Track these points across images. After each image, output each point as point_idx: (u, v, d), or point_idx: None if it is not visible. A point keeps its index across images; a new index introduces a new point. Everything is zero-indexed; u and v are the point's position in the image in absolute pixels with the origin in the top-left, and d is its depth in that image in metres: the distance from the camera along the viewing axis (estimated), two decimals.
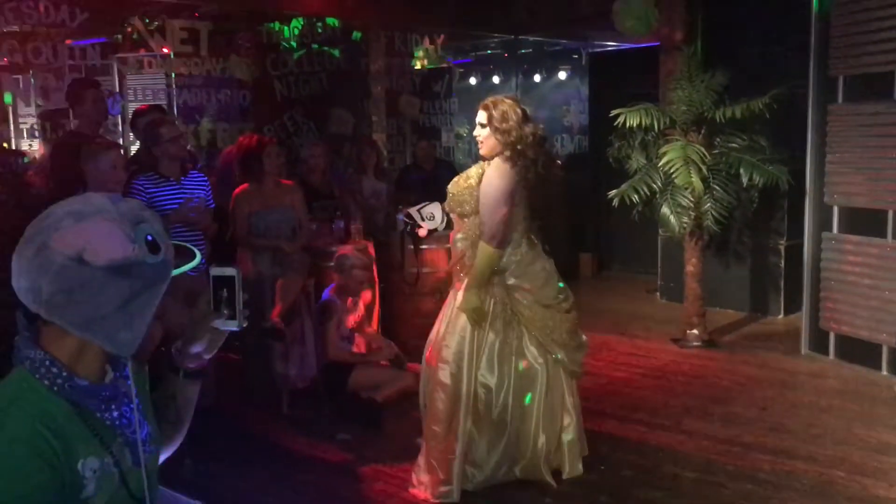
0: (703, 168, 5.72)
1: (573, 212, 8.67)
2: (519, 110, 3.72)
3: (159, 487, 1.67)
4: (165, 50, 6.87)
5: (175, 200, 4.57)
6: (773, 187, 5.97)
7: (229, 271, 1.67)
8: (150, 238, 1.45)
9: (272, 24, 7.81)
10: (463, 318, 3.78)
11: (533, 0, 8.58)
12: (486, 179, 3.72)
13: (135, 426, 1.53)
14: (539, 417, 3.84)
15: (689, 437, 4.48)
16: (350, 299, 5.17)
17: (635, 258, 8.89)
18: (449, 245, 4.05)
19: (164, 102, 7.12)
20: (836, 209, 5.64)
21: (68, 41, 6.36)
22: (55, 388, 1.41)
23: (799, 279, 6.09)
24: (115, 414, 1.51)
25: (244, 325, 1.69)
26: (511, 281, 3.81)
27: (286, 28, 7.89)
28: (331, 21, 7.93)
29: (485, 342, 3.79)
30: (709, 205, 5.90)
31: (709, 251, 6.69)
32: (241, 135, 7.21)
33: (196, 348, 1.73)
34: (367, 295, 5.39)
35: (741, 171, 5.81)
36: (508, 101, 3.77)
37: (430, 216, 5.91)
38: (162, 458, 1.71)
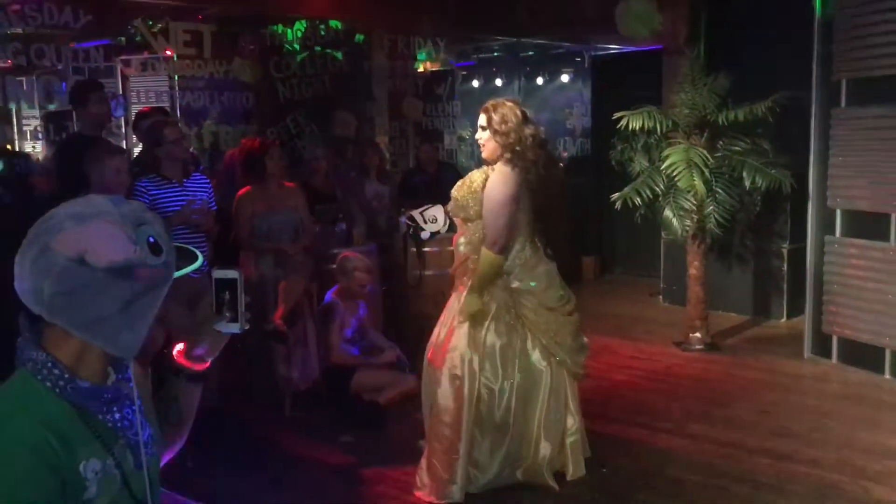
0: (706, 171, 5.71)
1: (576, 215, 8.66)
2: (519, 112, 3.73)
3: (161, 489, 1.67)
4: (168, 52, 6.87)
5: (177, 202, 4.57)
6: (775, 191, 5.96)
7: (231, 274, 1.67)
8: (151, 240, 1.45)
9: (275, 27, 7.82)
10: (463, 321, 3.78)
11: (535, 3, 8.58)
12: (490, 185, 3.72)
13: (137, 428, 1.53)
14: (542, 420, 3.84)
15: (692, 440, 4.48)
16: (352, 302, 5.17)
17: (638, 261, 8.89)
18: (451, 248, 4.05)
19: (167, 105, 7.13)
20: (839, 213, 5.63)
21: (72, 43, 6.37)
22: (57, 390, 1.41)
23: (802, 283, 6.08)
24: (117, 416, 1.51)
25: (246, 328, 1.69)
26: (515, 284, 3.82)
27: (289, 30, 7.89)
28: (333, 23, 7.93)
29: (488, 345, 3.78)
30: (711, 208, 5.90)
31: (711, 254, 6.69)
32: (243, 137, 7.23)
33: (198, 351, 1.73)
34: (369, 297, 5.39)
35: (744, 174, 5.81)
36: (509, 103, 3.78)
37: (432, 219, 5.90)
38: (164, 460, 1.71)
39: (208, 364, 1.77)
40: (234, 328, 1.69)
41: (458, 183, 3.95)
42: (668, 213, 5.99)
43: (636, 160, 6.17)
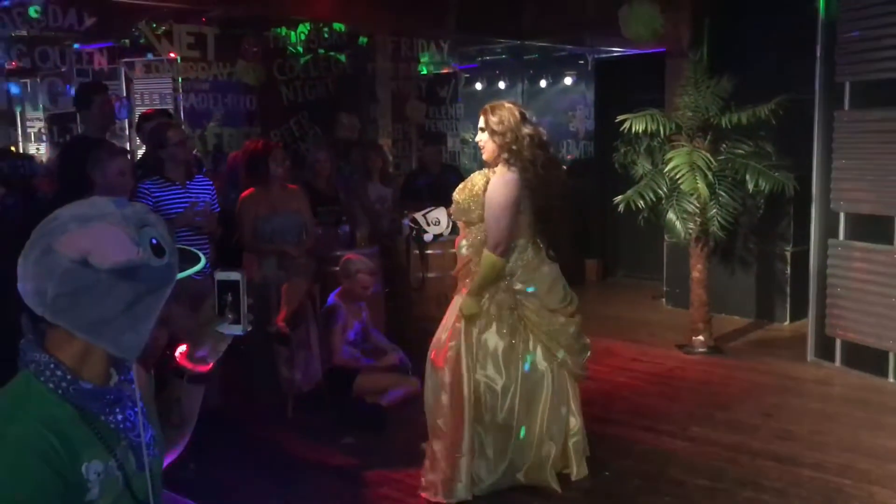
0: (709, 174, 5.71)
1: (579, 217, 8.66)
2: (517, 113, 3.74)
3: (163, 491, 1.67)
4: (172, 55, 6.89)
5: (180, 204, 4.58)
6: (779, 193, 5.95)
7: (234, 276, 1.67)
8: (154, 241, 1.45)
9: (279, 29, 7.84)
10: (462, 321, 3.80)
11: (539, 6, 8.59)
12: (492, 188, 3.73)
13: (139, 429, 1.54)
14: (545, 421, 3.84)
15: (695, 443, 4.47)
16: (355, 304, 5.17)
17: (641, 264, 8.87)
18: (454, 250, 4.06)
19: (170, 107, 7.15)
20: (842, 216, 5.62)
21: (75, 41, 6.39)
22: (60, 392, 1.41)
23: (805, 286, 6.06)
24: (120, 417, 1.51)
25: (249, 330, 1.69)
26: (518, 286, 3.83)
27: (293, 33, 7.91)
28: (337, 26, 7.95)
29: (491, 346, 3.79)
30: (714, 211, 5.89)
31: (714, 257, 6.67)
32: (247, 139, 7.26)
33: (200, 352, 1.73)
34: (372, 299, 5.39)
35: (747, 177, 5.80)
36: (508, 104, 3.80)
37: (435, 221, 5.91)
38: (166, 461, 1.71)
39: (211, 366, 1.77)
40: (237, 330, 1.69)
41: (460, 186, 3.95)
42: (671, 215, 5.98)
43: (639, 163, 6.16)
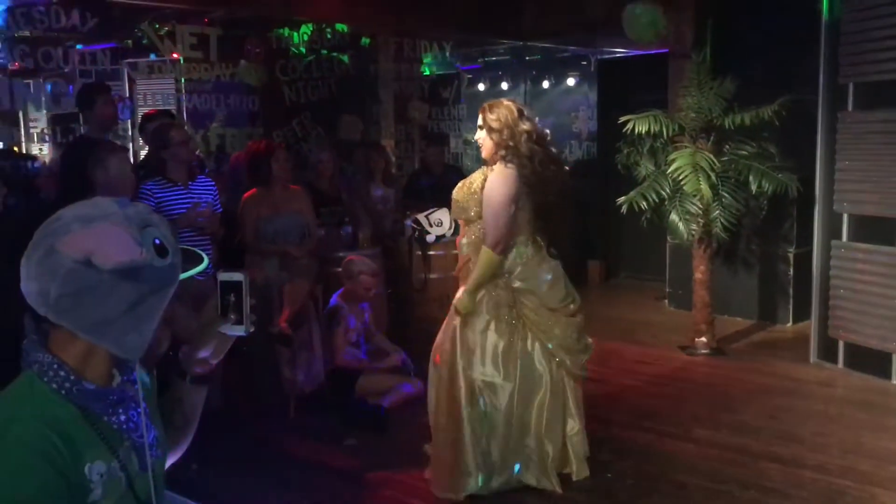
0: (712, 175, 5.70)
1: (581, 218, 8.65)
2: (515, 110, 3.75)
3: (166, 492, 1.67)
4: (175, 55, 6.89)
5: (183, 205, 4.58)
6: (782, 195, 5.95)
7: (237, 276, 1.67)
8: (157, 242, 1.45)
9: (281, 30, 7.84)
10: (456, 319, 3.81)
11: (542, 6, 8.58)
12: (489, 185, 3.74)
13: (142, 430, 1.53)
14: (544, 421, 3.82)
15: (697, 444, 4.46)
16: (357, 305, 5.17)
17: (643, 265, 8.87)
18: (456, 251, 4.06)
19: (173, 107, 7.15)
20: (845, 217, 5.61)
21: (79, 46, 6.40)
22: (63, 392, 1.41)
23: (808, 287, 6.06)
24: (123, 418, 1.51)
25: (251, 331, 1.69)
26: (517, 284, 3.82)
27: (295, 34, 7.91)
28: (340, 27, 7.95)
29: (489, 344, 3.77)
30: (717, 212, 5.88)
31: (717, 258, 6.67)
32: (249, 140, 7.26)
33: (203, 353, 1.73)
34: (374, 300, 5.39)
35: (750, 178, 5.80)
36: (506, 102, 3.82)
37: (437, 222, 5.91)
38: (168, 462, 1.71)
39: (213, 366, 1.77)
40: (240, 331, 1.68)
41: (459, 184, 3.97)
42: (673, 217, 5.98)
43: (642, 164, 6.16)
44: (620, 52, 9.74)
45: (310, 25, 7.86)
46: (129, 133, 7.27)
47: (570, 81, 10.83)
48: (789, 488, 3.89)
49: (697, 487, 3.94)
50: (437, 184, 7.06)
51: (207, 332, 1.71)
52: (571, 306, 3.93)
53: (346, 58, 8.17)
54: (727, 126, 5.87)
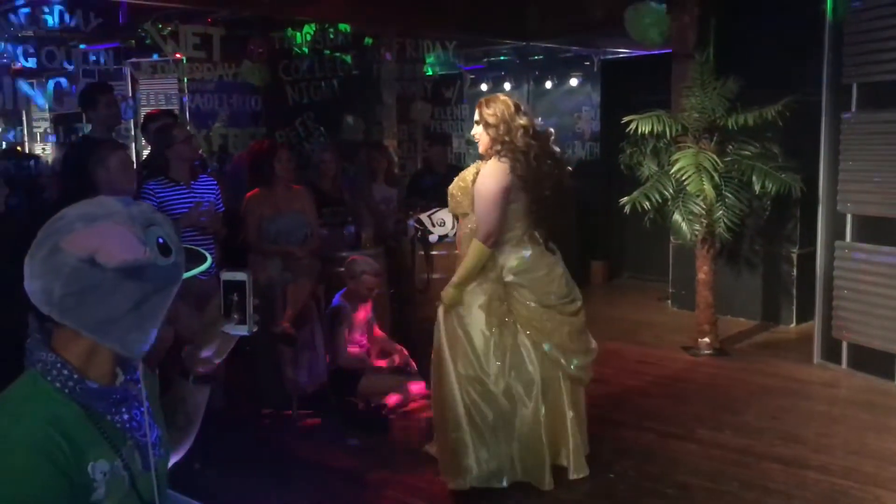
0: (716, 175, 5.69)
1: (584, 219, 8.65)
2: (511, 105, 3.75)
3: (168, 491, 1.67)
4: (178, 55, 6.90)
5: (185, 204, 4.59)
6: (785, 195, 5.94)
7: (240, 276, 1.67)
8: (161, 241, 1.45)
9: (285, 30, 7.84)
10: (441, 310, 3.81)
11: (545, 7, 8.58)
12: (480, 178, 3.76)
13: (145, 429, 1.53)
14: (538, 419, 3.77)
15: (700, 445, 4.45)
16: (360, 305, 5.17)
17: (646, 266, 8.87)
18: (458, 251, 4.06)
19: (176, 107, 7.16)
20: (849, 217, 5.60)
21: (82, 46, 6.40)
22: (66, 391, 1.41)
23: (811, 288, 6.05)
24: (126, 417, 1.51)
25: (254, 330, 1.69)
26: (510, 278, 3.79)
27: (298, 34, 7.91)
28: (342, 27, 7.95)
29: (479, 338, 3.74)
30: (721, 212, 5.87)
31: (720, 259, 6.66)
32: (252, 140, 7.26)
33: (206, 353, 1.73)
34: (377, 301, 5.39)
35: (753, 178, 5.79)
36: (502, 97, 3.83)
37: (440, 222, 5.90)
38: (171, 461, 1.71)
39: (216, 366, 1.77)
40: (243, 330, 1.68)
41: (455, 180, 3.97)
42: (677, 217, 5.97)
43: (645, 164, 6.15)
44: (623, 52, 9.74)
45: (312, 25, 7.87)
46: (132, 133, 7.27)
47: (574, 82, 10.83)
48: (792, 489, 3.88)
49: (700, 488, 3.93)
50: (439, 184, 7.02)
51: (210, 332, 1.72)
52: (571, 305, 3.89)
53: (348, 58, 8.17)
54: (730, 126, 5.86)
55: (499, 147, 3.72)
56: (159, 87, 7.34)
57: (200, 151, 6.67)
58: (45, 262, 1.39)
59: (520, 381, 3.78)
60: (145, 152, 6.38)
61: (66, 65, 6.17)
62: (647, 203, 5.97)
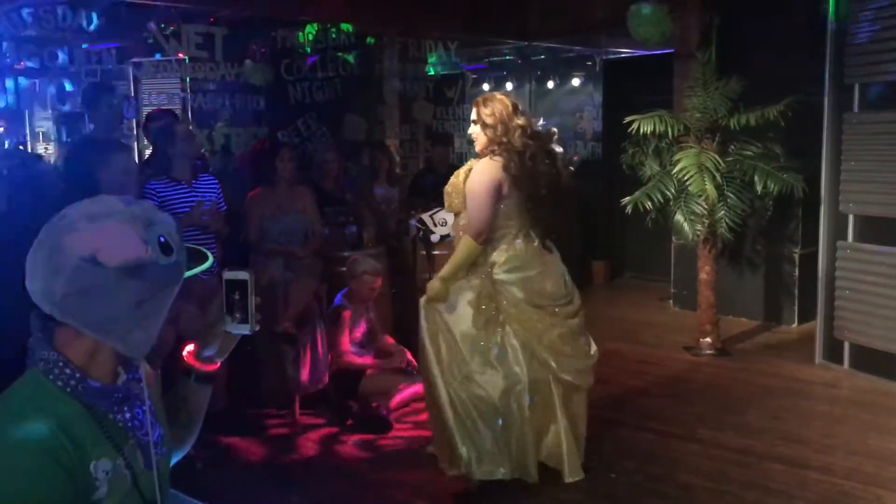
0: (717, 175, 5.69)
1: (586, 218, 8.65)
2: (509, 105, 3.75)
3: (170, 490, 1.67)
4: (180, 55, 6.90)
5: (187, 203, 4.60)
6: (787, 195, 5.94)
7: (242, 275, 1.67)
8: (162, 240, 1.45)
9: (290, 29, 7.84)
10: (423, 307, 3.80)
11: (547, 7, 8.58)
12: (472, 176, 3.76)
13: (147, 428, 1.54)
14: (523, 416, 3.72)
15: (701, 445, 4.45)
16: (362, 305, 5.17)
17: (648, 266, 8.86)
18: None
19: (178, 107, 7.16)
20: (851, 218, 5.60)
21: (85, 45, 6.41)
22: (68, 390, 1.42)
23: (813, 288, 6.04)
24: (128, 415, 1.51)
25: (256, 329, 1.69)
26: (500, 276, 3.76)
27: (300, 34, 7.91)
28: (345, 27, 7.95)
29: (465, 335, 3.71)
30: (723, 212, 5.87)
31: (722, 259, 6.66)
32: (254, 139, 7.26)
33: (208, 352, 1.74)
34: (379, 300, 5.39)
35: (755, 178, 5.78)
36: (499, 96, 3.81)
37: (442, 222, 5.91)
38: (173, 460, 1.72)
39: (218, 365, 1.77)
40: (245, 329, 1.69)
41: (451, 177, 3.97)
42: (678, 217, 5.97)
43: (647, 164, 6.15)
44: (626, 52, 9.72)
45: (315, 25, 7.87)
46: (135, 132, 7.28)
47: (575, 82, 10.82)
48: (793, 489, 3.88)
49: (701, 488, 3.93)
50: (441, 184, 7.00)
51: (212, 331, 1.72)
52: (567, 307, 3.83)
53: (351, 58, 8.17)
54: (732, 126, 5.86)
55: (496, 147, 3.73)
56: (162, 87, 7.34)
57: (203, 151, 6.68)
58: (46, 262, 1.39)
59: (505, 380, 3.70)
60: (147, 152, 6.38)
61: (68, 64, 6.18)
62: (649, 203, 5.97)
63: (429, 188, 6.98)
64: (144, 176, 4.65)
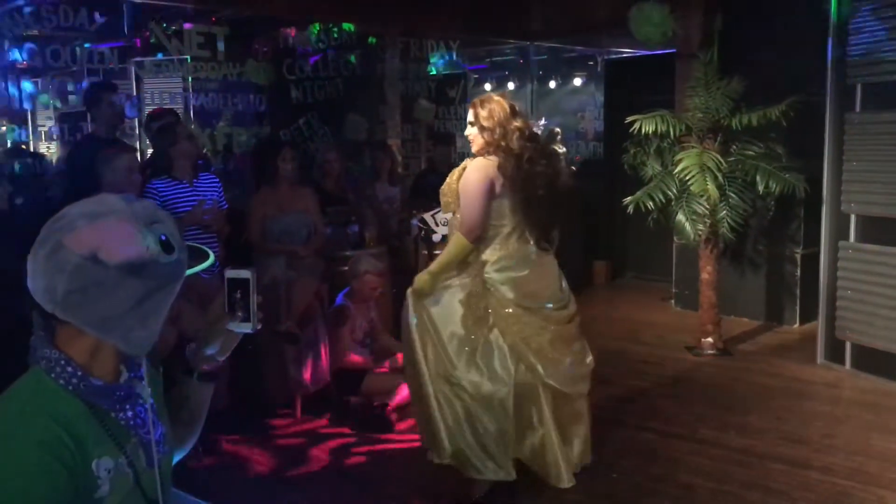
0: (719, 175, 5.69)
1: (588, 218, 8.65)
2: (507, 107, 3.72)
3: (172, 489, 1.67)
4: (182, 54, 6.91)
5: (188, 202, 4.61)
6: (789, 195, 5.93)
7: (244, 273, 1.67)
8: (163, 238, 1.45)
9: (288, 29, 7.84)
10: (410, 302, 3.78)
11: (549, 6, 8.58)
12: (465, 175, 3.74)
13: (149, 426, 1.54)
14: (506, 419, 3.66)
15: (703, 445, 4.45)
16: (363, 304, 5.17)
17: (650, 266, 8.86)
18: None
19: (180, 106, 7.16)
20: (853, 218, 5.59)
21: (87, 45, 6.41)
22: (70, 388, 1.42)
23: (815, 288, 6.04)
24: (130, 414, 1.51)
25: (258, 328, 1.69)
26: (491, 275, 3.72)
27: (302, 33, 7.91)
28: (346, 26, 7.95)
29: (452, 334, 3.68)
30: (724, 212, 5.87)
31: (724, 259, 6.66)
32: (256, 139, 7.26)
33: (210, 350, 1.74)
34: (380, 300, 5.39)
35: (757, 178, 5.78)
36: (497, 97, 3.78)
37: (444, 222, 5.91)
38: (175, 459, 1.72)
39: (220, 364, 1.77)
40: (247, 328, 1.69)
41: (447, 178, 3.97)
42: (680, 217, 5.97)
43: (649, 164, 6.15)
44: (627, 52, 9.73)
45: (317, 25, 7.87)
46: (137, 131, 7.28)
47: (577, 81, 10.83)
48: (795, 490, 3.88)
49: (702, 488, 3.93)
50: (442, 184, 7.04)
51: (214, 330, 1.72)
52: (561, 312, 3.77)
53: (353, 57, 8.18)
54: (734, 126, 5.86)
55: (493, 150, 3.70)
56: (164, 86, 7.34)
57: (205, 150, 6.68)
58: (48, 260, 1.39)
59: (490, 381, 3.64)
60: (149, 151, 6.39)
61: (70, 64, 6.18)
62: (651, 203, 5.97)
63: (430, 188, 6.98)
64: (146, 175, 4.66)
